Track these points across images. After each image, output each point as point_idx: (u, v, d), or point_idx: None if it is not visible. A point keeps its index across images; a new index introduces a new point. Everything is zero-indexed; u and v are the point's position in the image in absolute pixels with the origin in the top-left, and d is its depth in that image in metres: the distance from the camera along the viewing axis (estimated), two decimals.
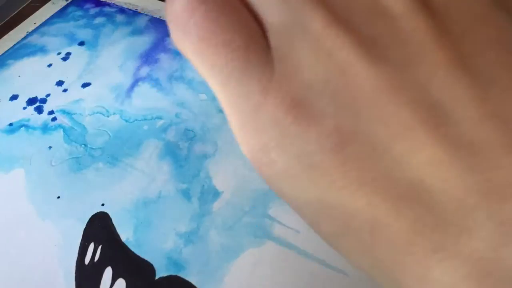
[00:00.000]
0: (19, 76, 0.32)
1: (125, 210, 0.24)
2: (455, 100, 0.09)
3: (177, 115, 0.28)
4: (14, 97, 0.30)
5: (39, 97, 0.30)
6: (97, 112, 0.29)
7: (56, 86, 0.31)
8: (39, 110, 0.29)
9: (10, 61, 0.33)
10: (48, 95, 0.30)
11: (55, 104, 0.29)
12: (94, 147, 0.27)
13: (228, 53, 0.10)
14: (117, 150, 0.27)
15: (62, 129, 0.28)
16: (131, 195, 0.24)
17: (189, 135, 0.27)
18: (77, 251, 0.23)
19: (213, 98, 0.28)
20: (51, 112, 0.29)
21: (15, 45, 0.34)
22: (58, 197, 0.25)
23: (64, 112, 0.29)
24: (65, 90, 0.30)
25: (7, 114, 0.29)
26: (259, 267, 0.21)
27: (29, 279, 0.22)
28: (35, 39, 0.34)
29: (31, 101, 0.30)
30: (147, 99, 0.29)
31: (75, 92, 0.30)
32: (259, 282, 0.21)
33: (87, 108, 0.29)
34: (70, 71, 0.31)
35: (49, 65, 0.32)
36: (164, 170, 0.25)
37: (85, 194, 0.25)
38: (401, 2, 0.10)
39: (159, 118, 0.28)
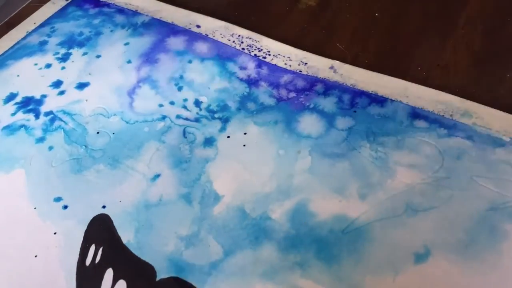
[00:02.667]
0: (18, 75, 0.32)
1: (126, 213, 0.24)
2: None
3: (177, 117, 0.28)
4: (13, 97, 0.30)
5: (38, 98, 0.30)
6: (98, 113, 0.29)
7: (56, 86, 0.31)
8: (39, 110, 0.29)
9: (9, 62, 0.33)
10: (48, 95, 0.30)
11: (55, 105, 0.29)
12: (94, 149, 0.27)
13: None
14: (118, 152, 0.27)
15: (62, 130, 0.28)
16: (132, 198, 0.25)
17: (190, 138, 0.27)
18: (78, 253, 0.23)
19: (213, 100, 0.29)
20: (50, 113, 0.29)
21: (15, 45, 0.34)
22: (59, 198, 0.25)
23: (64, 112, 0.29)
24: (64, 91, 0.30)
25: (6, 115, 0.29)
26: (259, 269, 0.22)
27: (30, 280, 0.22)
28: (35, 39, 0.34)
29: (30, 102, 0.30)
30: (147, 101, 0.29)
31: (75, 92, 0.30)
32: (259, 284, 0.21)
33: (87, 109, 0.29)
34: (70, 72, 0.31)
35: (49, 65, 0.32)
36: (165, 174, 0.26)
37: (86, 195, 0.25)
38: None
39: (160, 120, 0.28)
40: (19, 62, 0.33)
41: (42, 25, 0.35)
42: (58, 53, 0.33)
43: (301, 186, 0.24)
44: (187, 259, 0.22)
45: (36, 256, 0.23)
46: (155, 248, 0.23)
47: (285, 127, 0.27)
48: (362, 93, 0.28)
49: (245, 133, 0.27)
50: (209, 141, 0.27)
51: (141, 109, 0.29)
